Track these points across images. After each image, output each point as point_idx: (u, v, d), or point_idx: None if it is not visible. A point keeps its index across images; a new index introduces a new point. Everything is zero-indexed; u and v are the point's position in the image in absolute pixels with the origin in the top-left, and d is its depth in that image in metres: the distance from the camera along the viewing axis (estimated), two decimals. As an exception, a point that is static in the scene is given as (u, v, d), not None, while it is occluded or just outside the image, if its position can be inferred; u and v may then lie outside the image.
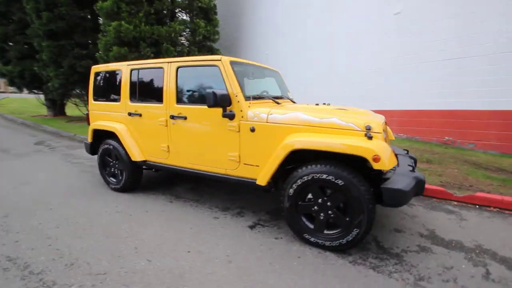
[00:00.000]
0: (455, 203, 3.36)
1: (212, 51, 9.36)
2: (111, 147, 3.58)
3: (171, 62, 3.05)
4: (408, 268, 2.06)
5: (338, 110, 2.59)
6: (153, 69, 3.24)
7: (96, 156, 3.85)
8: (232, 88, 2.65)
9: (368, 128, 2.19)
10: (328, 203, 2.23)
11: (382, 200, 2.09)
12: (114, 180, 3.71)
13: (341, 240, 2.20)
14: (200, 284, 1.88)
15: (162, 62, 3.13)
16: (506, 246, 2.35)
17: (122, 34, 7.38)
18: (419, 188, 2.24)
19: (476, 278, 1.96)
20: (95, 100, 3.85)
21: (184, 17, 8.87)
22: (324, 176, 2.16)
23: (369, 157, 1.98)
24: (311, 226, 2.33)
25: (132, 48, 7.70)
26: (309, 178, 2.23)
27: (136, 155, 3.38)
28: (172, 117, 3.03)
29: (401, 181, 2.09)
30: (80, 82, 9.65)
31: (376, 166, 1.98)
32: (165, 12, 8.29)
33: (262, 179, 2.49)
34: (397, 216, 2.98)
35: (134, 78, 3.38)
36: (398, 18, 6.18)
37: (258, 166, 2.62)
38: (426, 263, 2.13)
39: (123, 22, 7.35)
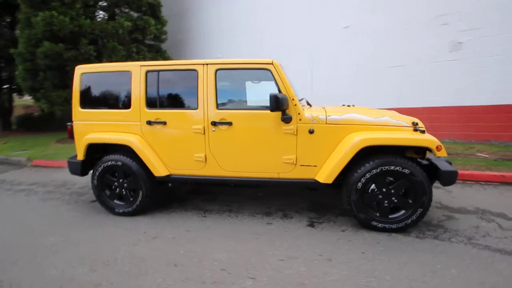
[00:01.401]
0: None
1: (160, 52, 8.65)
2: (118, 163, 3.00)
3: (208, 64, 2.82)
4: (455, 233, 2.59)
5: (379, 110, 2.97)
6: (181, 71, 2.92)
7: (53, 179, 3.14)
8: (287, 91, 2.69)
9: (415, 124, 2.63)
10: (392, 191, 2.56)
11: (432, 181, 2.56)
12: (122, 203, 3.12)
13: (406, 221, 2.56)
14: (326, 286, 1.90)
15: (195, 64, 2.85)
16: (493, 206, 3.20)
17: (55, 27, 6.05)
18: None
19: (496, 230, 2.63)
20: (84, 107, 3.13)
21: (128, 13, 7.89)
22: (393, 167, 2.47)
23: (433, 147, 2.40)
24: (377, 214, 2.61)
25: (69, 44, 6.39)
26: (377, 171, 2.50)
27: (160, 170, 2.95)
28: (214, 123, 2.81)
29: (447, 165, 2.60)
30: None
31: (438, 154, 2.42)
32: (105, 5, 7.20)
33: (328, 178, 2.62)
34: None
35: (152, 81, 2.94)
36: (347, 31, 7.19)
37: (316, 166, 2.74)
38: (461, 227, 2.70)
39: (55, 13, 6.02)
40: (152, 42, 8.39)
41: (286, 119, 2.67)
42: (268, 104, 2.53)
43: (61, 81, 6.65)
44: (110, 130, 3.07)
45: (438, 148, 2.41)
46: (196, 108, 2.86)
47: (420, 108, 6.45)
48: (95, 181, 3.11)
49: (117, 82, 3.07)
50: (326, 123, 2.68)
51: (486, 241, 2.42)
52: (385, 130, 2.62)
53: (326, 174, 2.64)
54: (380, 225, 2.59)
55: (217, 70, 2.80)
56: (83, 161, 3.12)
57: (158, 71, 2.92)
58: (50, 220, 3.11)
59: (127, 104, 3.03)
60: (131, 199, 3.08)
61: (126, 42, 7.20)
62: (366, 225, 2.63)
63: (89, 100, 3.15)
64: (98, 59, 6.89)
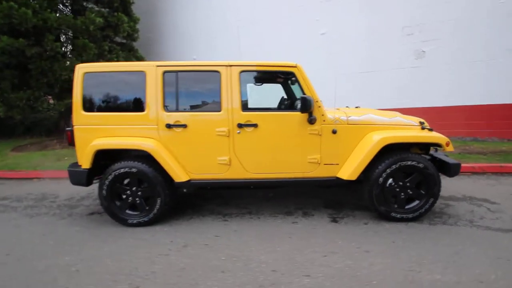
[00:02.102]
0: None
1: (133, 51, 8.14)
2: (133, 170, 2.78)
3: (231, 65, 2.78)
4: (458, 218, 2.94)
5: (389, 111, 3.23)
6: (202, 72, 2.83)
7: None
8: (312, 93, 2.79)
9: (422, 123, 2.94)
10: (408, 184, 2.82)
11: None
12: (135, 213, 2.90)
13: (420, 210, 2.84)
14: (382, 276, 2.03)
15: (217, 65, 2.79)
16: (475, 192, 3.69)
17: (15, 21, 5.31)
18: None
19: (487, 212, 3.06)
20: (87, 110, 2.84)
21: (97, 9, 7.25)
22: (409, 162, 2.73)
23: (443, 143, 2.72)
24: (396, 206, 2.85)
25: (31, 40, 5.65)
26: (396, 166, 2.74)
27: (180, 175, 2.81)
28: (240, 125, 2.78)
29: (450, 159, 2.95)
30: None
31: (447, 149, 2.74)
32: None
33: (352, 175, 2.78)
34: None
35: (170, 83, 2.80)
36: (323, 38, 7.61)
37: (338, 164, 2.89)
38: (460, 212, 3.09)
39: (14, 4, 5.29)
40: (124, 41, 7.83)
41: (312, 120, 2.77)
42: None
43: (22, 81, 5.81)
44: (120, 135, 2.83)
45: (447, 144, 2.73)
46: (219, 111, 2.80)
47: (392, 109, 7.12)
48: (104, 192, 2.83)
49: (128, 82, 2.86)
50: (348, 124, 2.84)
51: (484, 223, 2.81)
52: (398, 129, 2.88)
53: (350, 171, 2.80)
54: (398, 215, 2.83)
55: (241, 71, 2.79)
56: (89, 169, 2.82)
57: (177, 72, 2.79)
58: (53, 238, 2.74)
59: (140, 107, 2.83)
60: (147, 208, 2.88)
61: (97, 39, 6.61)
62: (386, 216, 2.86)
63: (93, 102, 2.87)
64: (66, 57, 6.19)
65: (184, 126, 2.79)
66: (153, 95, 2.78)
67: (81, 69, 2.83)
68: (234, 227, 2.86)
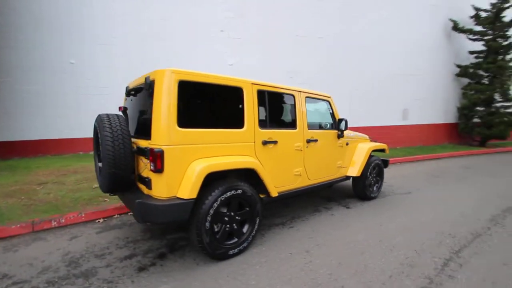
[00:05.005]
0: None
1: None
2: (238, 192, 2.56)
3: (300, 91, 3.31)
4: (387, 191, 5.06)
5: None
6: (283, 94, 3.15)
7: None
8: (337, 116, 3.90)
9: (370, 138, 4.87)
10: (375, 175, 4.55)
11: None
12: (233, 240, 2.61)
13: (379, 189, 4.65)
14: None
15: (293, 90, 3.22)
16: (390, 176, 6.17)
17: None
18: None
19: (393, 185, 5.44)
20: (182, 125, 2.27)
21: None
22: (377, 161, 4.48)
23: (387, 148, 4.70)
24: (371, 189, 4.48)
25: None
26: (379, 162, 4.41)
27: (273, 190, 2.92)
28: (308, 141, 3.33)
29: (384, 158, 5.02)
30: None
31: (386, 152, 4.75)
32: None
33: (358, 172, 4.13)
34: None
35: (261, 101, 2.87)
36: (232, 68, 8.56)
37: (346, 167, 4.15)
38: (386, 188, 5.26)
39: None
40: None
41: (340, 135, 3.87)
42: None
43: None
44: (217, 154, 2.50)
45: (385, 150, 4.76)
46: (295, 128, 3.22)
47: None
48: (207, 224, 2.34)
49: (226, 97, 2.60)
50: (351, 138, 4.20)
51: (398, 191, 5.09)
52: (367, 141, 4.60)
53: (356, 170, 4.13)
54: (373, 195, 4.49)
55: (306, 97, 3.40)
56: (196, 199, 2.23)
57: (266, 91, 2.93)
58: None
59: (239, 123, 2.66)
60: (241, 233, 2.66)
61: None
62: (368, 198, 4.41)
63: (189, 117, 2.33)
64: None
65: (275, 142, 2.96)
66: (250, 111, 2.74)
67: (173, 74, 2.25)
68: (309, 230, 3.29)
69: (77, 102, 7.25)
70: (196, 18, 8.07)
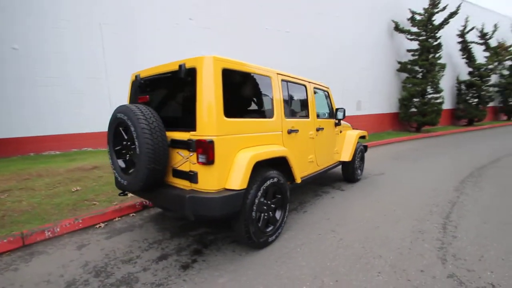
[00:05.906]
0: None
1: None
2: (275, 180, 2.62)
3: (310, 82, 3.45)
4: (367, 173, 5.62)
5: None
6: (299, 85, 3.24)
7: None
8: (334, 106, 4.18)
9: (351, 126, 5.32)
10: (360, 159, 5.02)
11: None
12: (270, 228, 2.67)
13: (361, 171, 5.15)
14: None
15: (305, 81, 3.34)
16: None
17: None
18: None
19: (371, 173, 6.06)
20: (227, 115, 2.22)
21: None
22: (362, 147, 4.94)
23: (367, 134, 5.20)
24: (358, 172, 4.94)
25: None
26: (360, 148, 4.86)
27: (299, 177, 3.05)
28: (317, 129, 3.52)
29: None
30: None
31: (366, 138, 5.26)
32: None
33: (350, 157, 4.51)
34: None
35: (285, 91, 2.94)
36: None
37: (339, 153, 4.50)
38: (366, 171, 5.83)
39: None
40: None
41: (338, 124, 4.17)
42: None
43: None
44: (253, 144, 2.51)
45: (367, 136, 5.27)
46: (308, 117, 3.37)
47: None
48: (253, 213, 2.35)
49: (259, 86, 2.59)
50: (342, 126, 4.54)
51: (373, 173, 5.70)
52: (351, 128, 5.03)
53: (348, 155, 4.50)
54: (358, 177, 4.96)
55: (314, 88, 3.57)
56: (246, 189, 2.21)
57: (287, 81, 3.00)
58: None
59: (270, 113, 2.69)
60: (278, 219, 2.75)
61: None
62: (355, 180, 4.86)
63: (233, 107, 2.27)
64: None
65: (297, 131, 3.06)
66: (278, 101, 2.78)
67: (217, 62, 2.16)
68: (320, 213, 3.51)
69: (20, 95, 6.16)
70: (162, 2, 7.53)
